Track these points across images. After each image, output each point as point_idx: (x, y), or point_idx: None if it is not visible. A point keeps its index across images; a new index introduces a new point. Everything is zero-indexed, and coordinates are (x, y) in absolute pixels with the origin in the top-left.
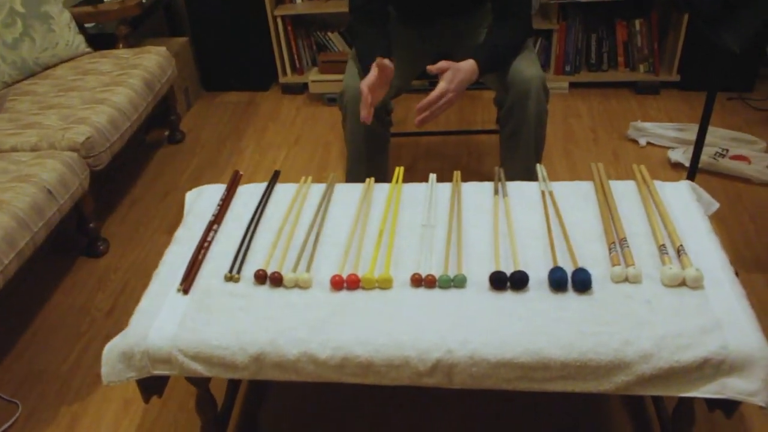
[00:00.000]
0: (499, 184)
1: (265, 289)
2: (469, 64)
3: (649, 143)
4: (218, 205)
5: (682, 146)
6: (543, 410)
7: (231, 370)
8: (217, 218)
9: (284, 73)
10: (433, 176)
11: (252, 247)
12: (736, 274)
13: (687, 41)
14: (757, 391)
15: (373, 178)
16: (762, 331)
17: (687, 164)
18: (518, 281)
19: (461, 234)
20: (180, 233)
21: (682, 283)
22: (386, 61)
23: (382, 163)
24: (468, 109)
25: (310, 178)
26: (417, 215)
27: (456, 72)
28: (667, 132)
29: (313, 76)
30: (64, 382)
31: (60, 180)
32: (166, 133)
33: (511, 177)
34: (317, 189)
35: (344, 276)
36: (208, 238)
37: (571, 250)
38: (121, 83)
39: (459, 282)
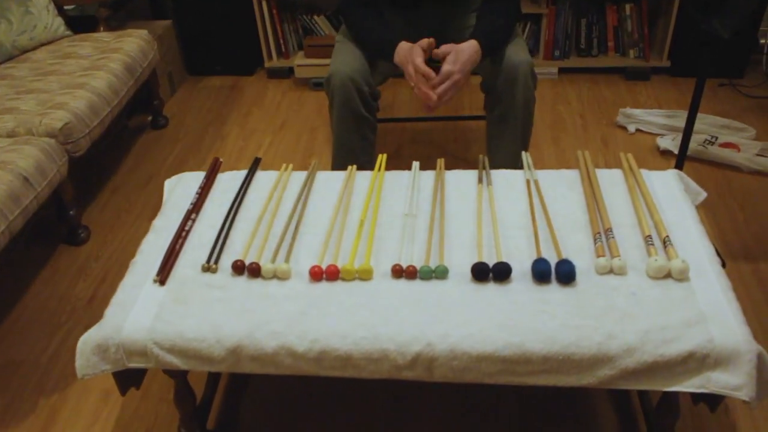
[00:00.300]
0: (483, 173)
1: (243, 280)
2: (471, 45)
3: (638, 130)
4: (197, 193)
5: (671, 133)
6: (526, 402)
7: (207, 363)
8: (196, 207)
9: (270, 57)
10: (416, 164)
11: (230, 237)
12: (723, 264)
13: (677, 26)
14: (742, 386)
15: (354, 166)
16: (747, 325)
17: (676, 152)
18: (501, 273)
19: (444, 224)
20: (157, 222)
21: (668, 275)
22: (426, 41)
23: (369, 150)
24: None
25: (291, 166)
26: (399, 204)
27: (459, 53)
28: (656, 119)
29: (298, 60)
30: (43, 373)
31: (37, 167)
32: (149, 118)
33: (498, 163)
34: (298, 177)
35: (323, 267)
36: (186, 228)
37: (555, 241)
38: (101, 67)
39: (440, 273)
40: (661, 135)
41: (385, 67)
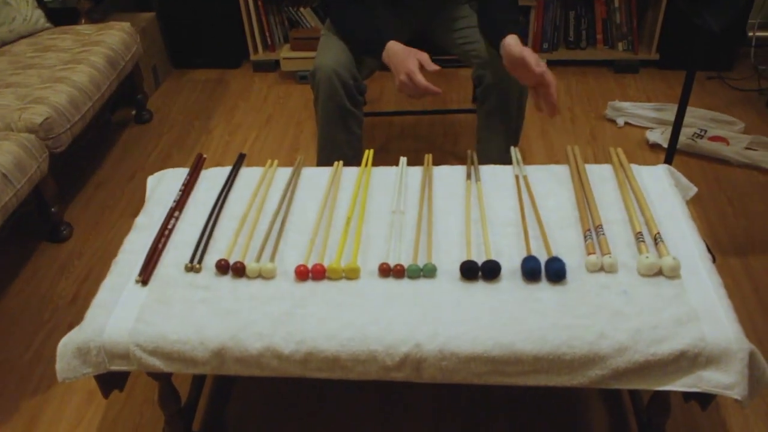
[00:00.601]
0: (472, 168)
1: (228, 280)
2: (515, 40)
3: (627, 123)
4: (180, 190)
5: (660, 126)
6: (517, 400)
7: (191, 366)
8: (179, 204)
9: (255, 50)
10: (403, 160)
11: (214, 236)
12: (713, 259)
13: (666, 19)
14: (734, 384)
15: (341, 162)
16: (739, 323)
17: (665, 145)
18: (490, 271)
19: (432, 221)
20: (140, 220)
21: (659, 273)
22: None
23: (356, 144)
24: (443, 87)
25: (276, 162)
26: (386, 201)
27: (531, 53)
28: (645, 112)
29: (284, 53)
30: (24, 374)
31: (16, 163)
32: (133, 112)
33: (488, 157)
34: (284, 173)
35: (309, 266)
36: (169, 226)
37: (545, 238)
38: (82, 61)
39: (428, 272)
40: (650, 128)
41: (372, 61)
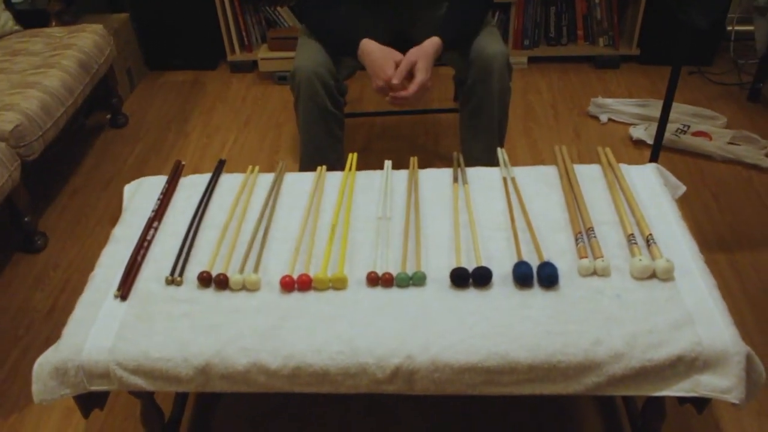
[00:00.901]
0: (459, 171)
1: (210, 293)
2: (433, 43)
3: (610, 119)
4: (158, 199)
5: (643, 122)
6: (509, 403)
7: (175, 384)
8: (158, 214)
9: (232, 50)
10: (388, 163)
11: (195, 246)
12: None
13: (646, 14)
14: (732, 388)
15: (324, 167)
16: (734, 325)
17: (649, 141)
18: (481, 278)
19: (419, 226)
20: (117, 231)
21: (653, 275)
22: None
23: (338, 146)
24: None
25: (257, 168)
26: (372, 206)
27: (425, 58)
28: (628, 108)
29: (262, 53)
30: (0, 391)
31: None
32: (108, 116)
33: (473, 158)
34: (265, 179)
35: (295, 276)
36: (148, 237)
37: (536, 242)
38: (53, 65)
39: (418, 280)
40: (634, 124)
41: (351, 61)
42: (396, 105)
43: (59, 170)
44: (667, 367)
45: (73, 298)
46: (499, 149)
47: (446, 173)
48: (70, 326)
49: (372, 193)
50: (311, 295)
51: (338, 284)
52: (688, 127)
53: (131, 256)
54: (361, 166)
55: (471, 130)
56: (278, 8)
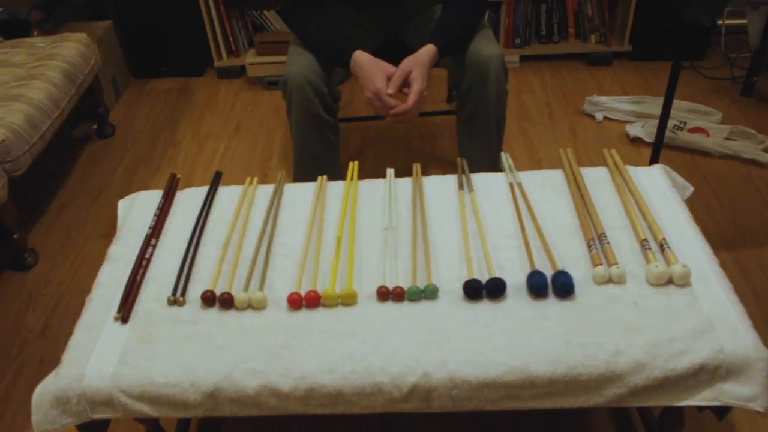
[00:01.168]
0: (463, 177)
1: (215, 313)
2: (428, 51)
3: (606, 118)
4: (155, 215)
5: (639, 120)
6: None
7: (182, 409)
8: (155, 231)
9: (219, 56)
10: (390, 171)
11: (196, 264)
12: None
13: (638, 10)
14: (756, 396)
15: (325, 177)
16: (755, 330)
17: (646, 139)
18: (495, 289)
19: (427, 236)
20: (113, 250)
21: (669, 281)
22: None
23: (333, 153)
24: None
25: (255, 180)
26: (377, 217)
27: (421, 66)
28: (623, 105)
29: (250, 58)
30: None
31: None
32: (95, 126)
33: (472, 163)
34: (265, 191)
35: (302, 293)
36: (146, 255)
37: (548, 250)
38: (37, 76)
39: (430, 293)
40: (630, 122)
41: (343, 70)
42: (397, 122)
43: (46, 184)
44: (690, 376)
45: (66, 316)
46: (503, 154)
47: (450, 180)
48: (69, 352)
49: (376, 202)
50: (320, 312)
51: (348, 300)
52: (685, 123)
53: (130, 276)
54: (358, 170)
55: (468, 134)
56: (265, 12)
